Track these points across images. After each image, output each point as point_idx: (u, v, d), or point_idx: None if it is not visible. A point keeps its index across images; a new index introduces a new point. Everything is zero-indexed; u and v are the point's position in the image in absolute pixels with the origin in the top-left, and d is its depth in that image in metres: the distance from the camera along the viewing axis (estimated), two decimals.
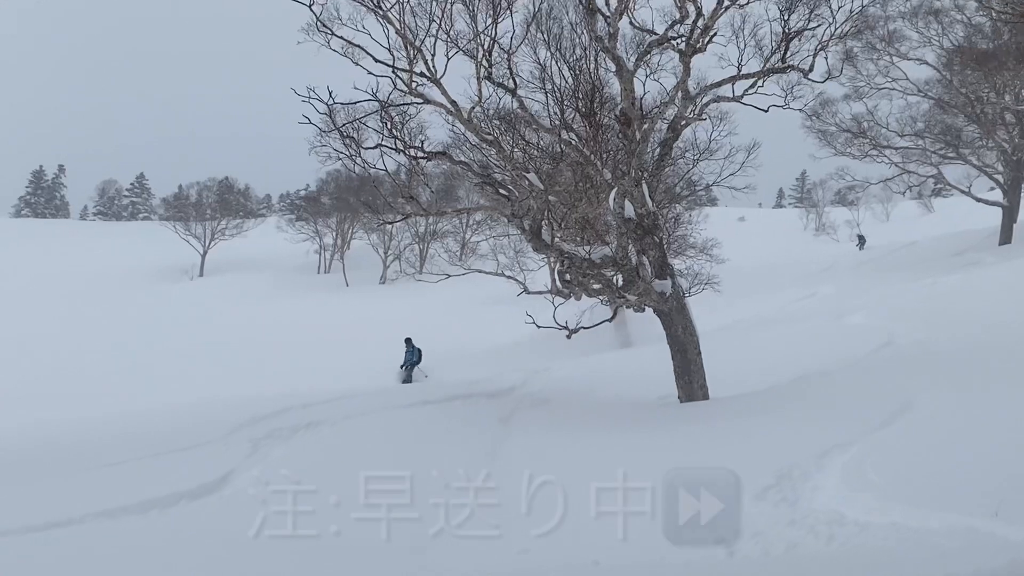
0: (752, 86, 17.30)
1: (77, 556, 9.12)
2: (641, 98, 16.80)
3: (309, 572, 8.25)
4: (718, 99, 17.76)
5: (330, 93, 16.28)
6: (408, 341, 35.07)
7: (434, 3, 16.66)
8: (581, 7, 16.18)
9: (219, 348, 42.29)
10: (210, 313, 58.54)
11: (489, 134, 17.46)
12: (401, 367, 34.07)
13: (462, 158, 18.71)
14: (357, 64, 16.59)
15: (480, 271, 33.98)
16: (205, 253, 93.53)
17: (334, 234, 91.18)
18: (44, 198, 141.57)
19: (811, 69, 17.09)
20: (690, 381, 15.98)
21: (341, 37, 16.51)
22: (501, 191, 17.37)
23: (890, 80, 44.71)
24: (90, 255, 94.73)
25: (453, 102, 16.78)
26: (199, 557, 9.10)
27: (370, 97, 16.60)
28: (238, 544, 9.40)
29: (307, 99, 16.25)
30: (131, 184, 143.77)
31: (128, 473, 13.33)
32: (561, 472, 11.49)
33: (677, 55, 16.44)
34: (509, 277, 32.57)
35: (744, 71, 17.12)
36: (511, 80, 16.87)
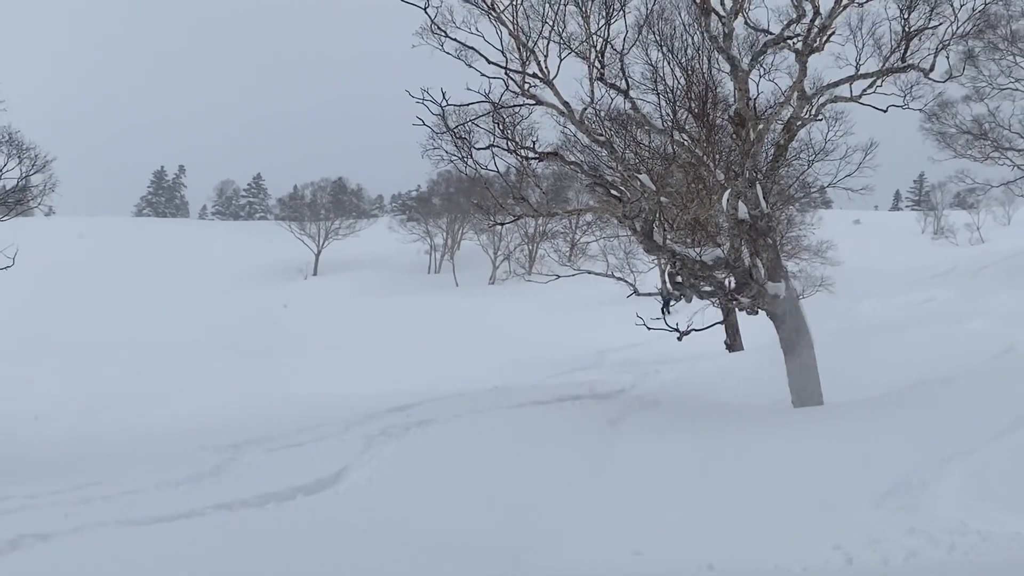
0: (871, 86, 16.91)
1: (196, 546, 9.40)
2: (755, 98, 16.61)
3: (419, 570, 8.35)
4: (835, 99, 17.41)
5: (443, 94, 16.50)
6: None
7: (547, 5, 16.73)
8: (695, 7, 16.08)
9: (333, 346, 43.09)
10: (324, 312, 59.67)
11: (601, 135, 17.47)
12: None
13: (573, 159, 18.73)
14: (470, 66, 16.78)
15: (590, 272, 34.02)
16: (319, 252, 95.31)
17: (444, 234, 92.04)
18: (165, 198, 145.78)
19: (932, 68, 16.64)
20: (804, 385, 15.74)
21: (455, 39, 16.71)
22: (612, 192, 17.36)
23: (1013, 80, 43.07)
24: (209, 253, 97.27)
25: (565, 103, 16.83)
26: (310, 549, 9.29)
27: (483, 98, 16.78)
28: (351, 537, 9.61)
29: (421, 100, 16.50)
30: (248, 184, 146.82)
31: (247, 468, 13.70)
32: (674, 477, 11.50)
33: (793, 55, 16.18)
34: (619, 278, 32.58)
35: (862, 71, 16.76)
36: (623, 81, 16.83)
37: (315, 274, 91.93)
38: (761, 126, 16.19)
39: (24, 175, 21.47)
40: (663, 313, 22.13)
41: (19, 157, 21.35)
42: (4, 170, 21.08)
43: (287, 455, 14.44)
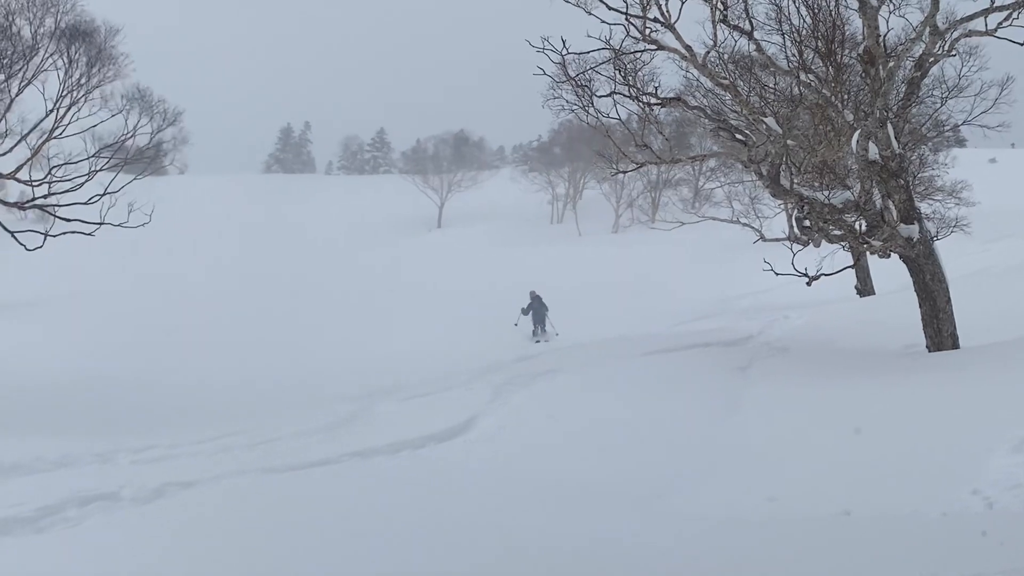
0: (1007, 18, 16.15)
1: (331, 492, 9.68)
2: (885, 35, 16.08)
3: (552, 515, 8.45)
4: (970, 33, 16.68)
5: (563, 43, 16.45)
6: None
7: None
8: None
9: (458, 298, 43.49)
10: (449, 264, 60.24)
11: (725, 79, 17.16)
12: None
13: (696, 104, 18.48)
14: (590, 13, 16.60)
15: (715, 219, 33.60)
16: (442, 205, 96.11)
17: (566, 184, 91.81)
18: (292, 154, 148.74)
19: None
20: (939, 329, 15.34)
21: None
22: (737, 136, 17.10)
23: None
24: (338, 208, 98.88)
25: (687, 47, 16.57)
26: (443, 494, 9.49)
27: (603, 45, 16.65)
28: (482, 483, 9.81)
29: (541, 50, 16.49)
30: (372, 139, 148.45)
31: (379, 417, 14.05)
32: (806, 423, 11.37)
33: None
34: (745, 224, 32.05)
35: (998, 3, 16.03)
36: (747, 22, 16.49)
37: (439, 227, 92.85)
38: (892, 64, 15.69)
39: (156, 130, 22.04)
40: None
41: (150, 114, 21.91)
42: (138, 127, 21.67)
43: (417, 404, 14.79)
